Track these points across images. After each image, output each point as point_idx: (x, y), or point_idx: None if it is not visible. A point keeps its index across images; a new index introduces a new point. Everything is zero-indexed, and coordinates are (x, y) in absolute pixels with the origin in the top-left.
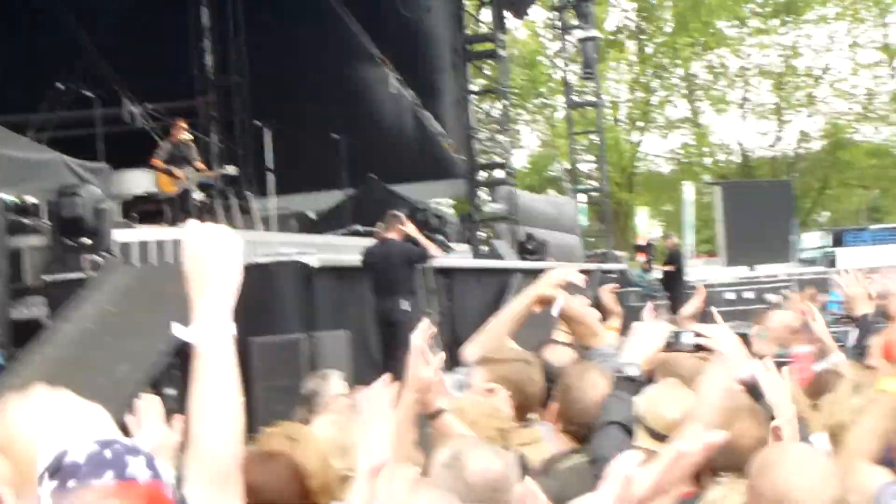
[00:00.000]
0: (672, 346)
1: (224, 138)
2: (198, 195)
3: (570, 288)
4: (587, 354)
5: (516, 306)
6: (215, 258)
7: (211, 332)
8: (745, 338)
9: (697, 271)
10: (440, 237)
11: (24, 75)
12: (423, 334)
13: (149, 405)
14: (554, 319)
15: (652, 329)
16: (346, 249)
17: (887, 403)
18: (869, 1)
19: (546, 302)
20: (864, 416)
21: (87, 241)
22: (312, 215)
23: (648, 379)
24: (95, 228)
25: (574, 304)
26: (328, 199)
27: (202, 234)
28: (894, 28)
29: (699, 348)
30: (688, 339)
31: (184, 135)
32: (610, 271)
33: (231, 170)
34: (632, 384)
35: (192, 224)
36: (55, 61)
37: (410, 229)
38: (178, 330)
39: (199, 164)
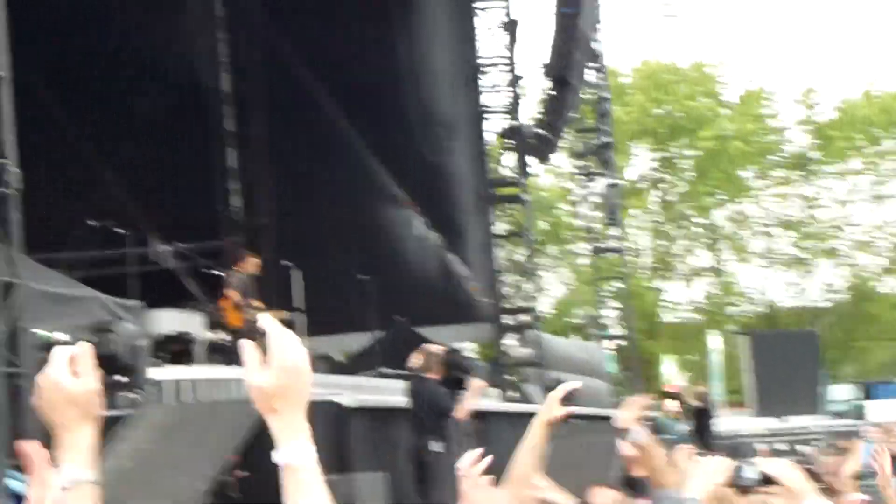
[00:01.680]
0: (735, 480)
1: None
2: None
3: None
4: (657, 496)
5: (529, 439)
6: (305, 369)
7: (301, 450)
8: (810, 472)
9: (727, 422)
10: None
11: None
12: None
13: None
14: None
15: (713, 463)
16: (379, 390)
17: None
18: (892, 154)
19: (555, 424)
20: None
21: (121, 378)
22: (339, 357)
23: None
24: (131, 366)
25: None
26: (355, 340)
27: (291, 341)
28: None
29: (764, 482)
30: (751, 473)
31: (253, 269)
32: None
33: (285, 315)
34: None
35: (270, 324)
36: (80, 198)
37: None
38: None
39: (258, 303)
